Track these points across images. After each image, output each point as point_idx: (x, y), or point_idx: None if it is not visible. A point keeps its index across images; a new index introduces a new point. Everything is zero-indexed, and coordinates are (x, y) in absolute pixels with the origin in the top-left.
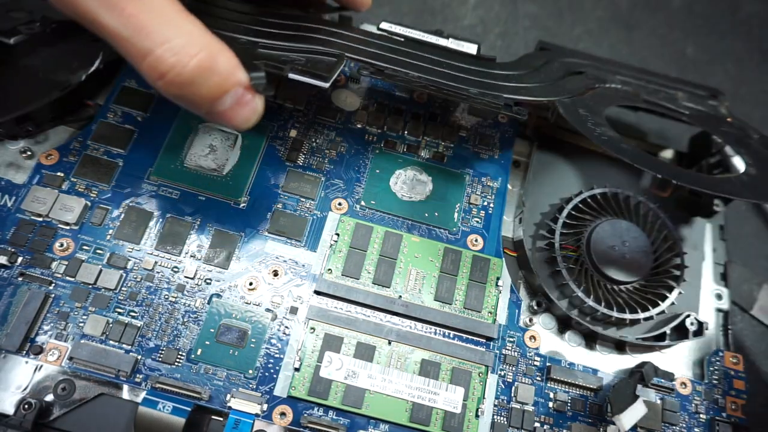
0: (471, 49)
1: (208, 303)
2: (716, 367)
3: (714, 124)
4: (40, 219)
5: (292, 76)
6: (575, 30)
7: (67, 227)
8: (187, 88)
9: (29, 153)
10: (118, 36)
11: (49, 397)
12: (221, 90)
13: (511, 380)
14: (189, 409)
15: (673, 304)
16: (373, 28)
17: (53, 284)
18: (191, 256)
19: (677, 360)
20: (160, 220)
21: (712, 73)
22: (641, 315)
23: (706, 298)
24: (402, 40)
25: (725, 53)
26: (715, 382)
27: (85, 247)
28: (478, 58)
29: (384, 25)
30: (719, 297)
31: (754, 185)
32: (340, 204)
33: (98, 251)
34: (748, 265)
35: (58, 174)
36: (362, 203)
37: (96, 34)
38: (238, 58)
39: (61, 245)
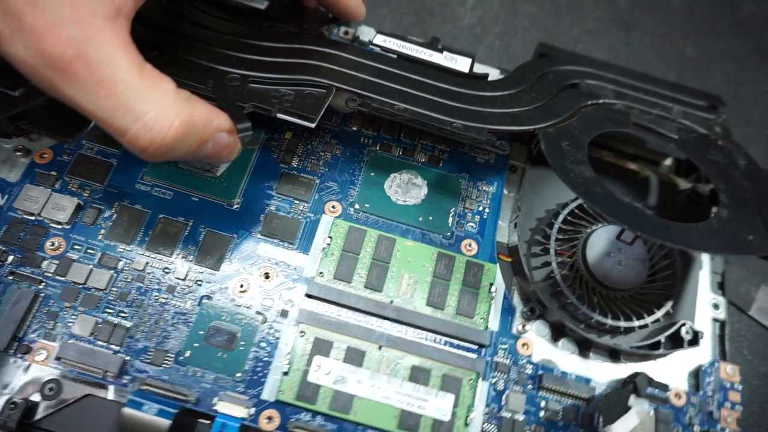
0: (465, 64)
1: (199, 305)
2: (712, 378)
3: (702, 149)
4: (33, 218)
5: (280, 116)
6: (574, 30)
7: (59, 226)
8: (170, 153)
9: (23, 151)
10: (97, 117)
11: (36, 397)
12: (201, 143)
13: (502, 388)
14: (174, 411)
15: (668, 312)
16: (371, 32)
17: (43, 283)
18: (183, 257)
19: (672, 370)
20: (153, 220)
21: (711, 74)
22: (635, 323)
23: (703, 307)
24: (395, 57)
25: (725, 53)
26: (710, 393)
27: (76, 247)
28: (470, 77)
29: (378, 40)
30: (716, 306)
31: (724, 234)
32: (333, 207)
33: (89, 251)
34: (746, 266)
35: (52, 173)
36: (356, 206)
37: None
38: (228, 107)
39: (53, 244)
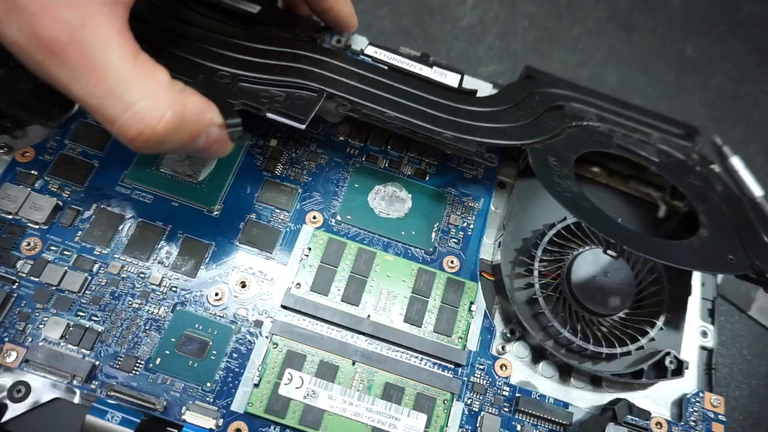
0: (454, 80)
1: (172, 311)
2: (695, 408)
3: (681, 174)
4: (10, 217)
5: (269, 116)
6: (574, 30)
7: (36, 226)
8: (160, 145)
9: (6, 148)
10: (87, 104)
11: (3, 399)
12: (193, 136)
13: (477, 409)
14: (138, 420)
15: (653, 339)
16: (363, 41)
17: (17, 283)
18: (159, 262)
19: (656, 398)
20: (131, 224)
21: (711, 74)
22: (618, 350)
23: (691, 334)
24: (385, 68)
25: (725, 53)
26: (692, 423)
27: (52, 248)
28: (459, 92)
29: (369, 50)
30: (704, 334)
31: (704, 253)
32: (314, 217)
33: (65, 252)
34: None
35: (32, 172)
36: (338, 218)
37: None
38: (217, 103)
39: (29, 244)
